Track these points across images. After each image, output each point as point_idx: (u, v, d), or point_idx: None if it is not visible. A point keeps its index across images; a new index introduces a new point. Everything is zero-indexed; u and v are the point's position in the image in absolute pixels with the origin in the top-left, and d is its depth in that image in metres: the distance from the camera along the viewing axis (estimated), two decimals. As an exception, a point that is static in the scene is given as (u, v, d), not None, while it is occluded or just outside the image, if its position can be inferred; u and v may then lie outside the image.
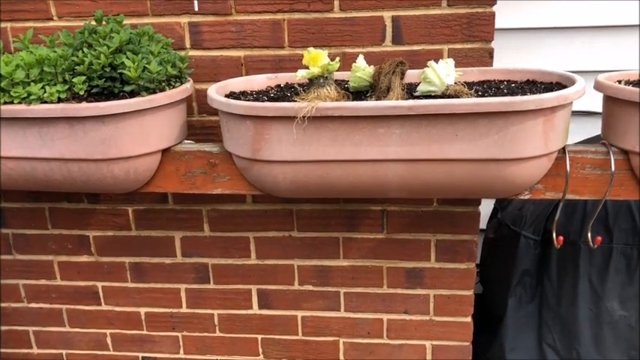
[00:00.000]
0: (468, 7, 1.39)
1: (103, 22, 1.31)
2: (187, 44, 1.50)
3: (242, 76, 1.50)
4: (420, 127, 1.08)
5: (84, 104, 1.15)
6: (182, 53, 1.33)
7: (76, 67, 1.19)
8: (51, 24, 1.52)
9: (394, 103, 1.06)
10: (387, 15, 1.42)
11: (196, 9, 1.41)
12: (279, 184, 1.20)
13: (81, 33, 1.27)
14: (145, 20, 1.49)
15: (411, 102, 1.06)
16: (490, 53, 1.43)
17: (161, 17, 1.49)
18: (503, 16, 1.90)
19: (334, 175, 1.16)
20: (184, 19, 1.48)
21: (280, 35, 1.47)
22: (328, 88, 1.15)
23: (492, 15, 1.39)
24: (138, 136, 1.20)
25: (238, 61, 1.50)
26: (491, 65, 1.43)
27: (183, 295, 1.76)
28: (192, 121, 1.56)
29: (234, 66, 1.50)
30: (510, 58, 1.97)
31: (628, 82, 1.22)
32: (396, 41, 1.44)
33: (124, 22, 1.46)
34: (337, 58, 1.18)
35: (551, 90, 1.16)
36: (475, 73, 1.35)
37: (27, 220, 1.73)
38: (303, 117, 1.07)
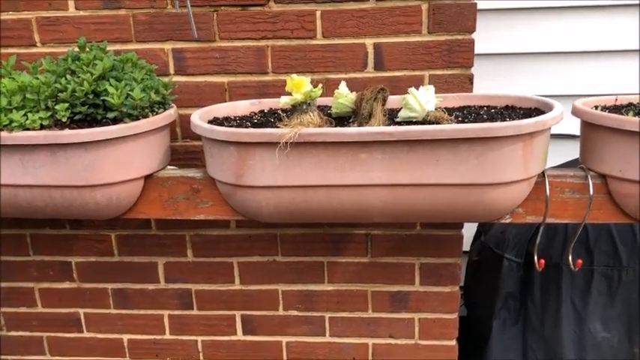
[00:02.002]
0: (448, 35, 1.42)
1: (87, 49, 1.31)
2: (171, 70, 1.51)
3: (226, 101, 1.51)
4: (401, 152, 1.09)
5: (66, 131, 1.15)
6: (166, 79, 1.33)
7: (59, 94, 1.19)
8: (34, 50, 1.52)
9: (376, 129, 1.08)
10: (369, 42, 1.45)
11: (195, 36, 1.42)
12: (262, 210, 1.20)
13: (64, 60, 1.28)
14: (129, 46, 1.50)
15: (392, 128, 1.07)
16: (470, 79, 1.45)
17: (145, 44, 1.50)
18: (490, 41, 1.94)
19: (318, 201, 1.17)
20: (168, 46, 1.49)
21: (264, 61, 1.48)
22: (311, 114, 1.16)
23: (472, 42, 1.42)
24: (120, 163, 1.20)
25: (222, 87, 1.51)
26: (472, 91, 1.46)
27: (166, 321, 1.74)
28: (175, 146, 1.56)
29: (218, 92, 1.51)
30: (493, 82, 2.00)
31: (604, 108, 1.24)
32: (378, 67, 1.46)
33: (108, 48, 1.47)
34: (320, 85, 1.20)
35: (530, 115, 1.19)
36: (455, 99, 1.37)
37: (8, 247, 1.71)
38: (286, 143, 1.08)
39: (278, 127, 1.14)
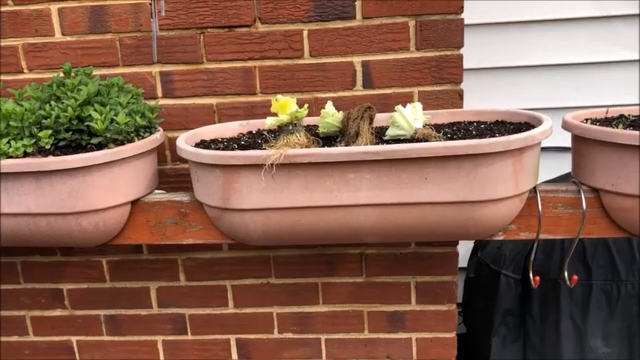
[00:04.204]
0: (436, 51, 1.41)
1: (72, 75, 1.30)
2: (159, 93, 1.50)
3: (215, 123, 1.49)
4: (389, 171, 1.08)
5: (50, 158, 1.14)
6: (152, 103, 1.32)
7: (43, 121, 1.18)
8: (21, 77, 1.51)
9: (362, 148, 1.06)
10: (357, 60, 1.44)
11: (155, 60, 1.41)
12: (250, 233, 1.18)
13: (49, 86, 1.27)
14: (117, 71, 1.49)
15: (379, 147, 1.06)
16: (460, 95, 1.44)
17: (132, 67, 1.49)
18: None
19: (306, 222, 1.15)
20: (155, 69, 1.48)
21: (252, 82, 1.47)
22: (298, 135, 1.15)
23: (460, 57, 1.41)
24: (106, 189, 1.18)
25: (210, 109, 1.50)
26: (462, 106, 1.44)
27: (160, 347, 1.71)
28: (165, 170, 1.55)
29: (207, 113, 1.50)
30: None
31: (595, 121, 1.23)
32: (367, 85, 1.45)
33: (96, 73, 1.47)
34: (306, 105, 1.18)
35: (521, 130, 1.17)
36: (445, 115, 1.36)
37: (-2, 275, 1.70)
38: (271, 165, 1.06)
39: (265, 148, 1.12)
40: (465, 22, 1.41)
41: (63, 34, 1.48)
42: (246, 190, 1.12)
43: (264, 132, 1.35)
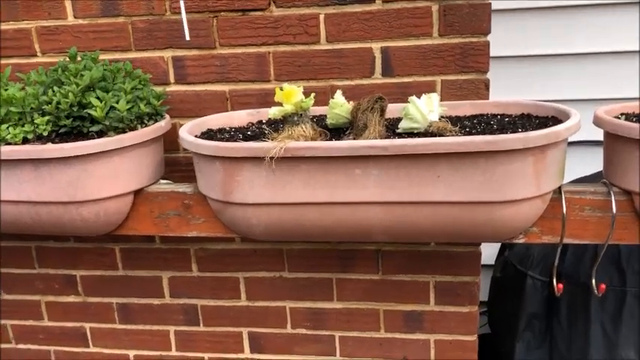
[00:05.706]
0: (461, 37, 1.32)
1: (79, 59, 1.27)
2: (172, 79, 1.45)
3: (227, 111, 1.44)
4: (398, 167, 1.00)
5: (48, 146, 1.10)
6: (159, 90, 1.28)
7: (45, 107, 1.15)
8: (35, 60, 1.49)
9: (368, 142, 0.99)
10: (376, 46, 1.36)
11: (187, 39, 1.35)
12: (253, 228, 1.13)
13: (54, 71, 1.24)
14: (129, 55, 1.45)
15: (387, 142, 0.98)
16: (486, 84, 1.34)
17: (145, 52, 1.45)
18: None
19: (310, 219, 1.08)
20: (168, 54, 1.44)
21: (266, 69, 1.41)
22: (303, 126, 1.08)
23: (487, 45, 1.31)
24: (106, 178, 1.15)
25: (223, 96, 1.45)
26: (488, 97, 1.35)
27: (172, 337, 1.69)
28: (178, 158, 1.51)
29: (219, 100, 1.45)
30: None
31: (632, 116, 1.12)
32: (386, 73, 1.37)
33: (108, 57, 1.43)
34: (312, 94, 1.11)
35: (546, 125, 1.08)
36: (467, 107, 1.27)
37: (13, 259, 1.69)
38: (271, 158, 1.00)
39: (269, 140, 1.06)
40: (495, 7, 1.31)
41: (75, 17, 1.44)
42: (248, 184, 1.06)
43: (273, 122, 1.29)
